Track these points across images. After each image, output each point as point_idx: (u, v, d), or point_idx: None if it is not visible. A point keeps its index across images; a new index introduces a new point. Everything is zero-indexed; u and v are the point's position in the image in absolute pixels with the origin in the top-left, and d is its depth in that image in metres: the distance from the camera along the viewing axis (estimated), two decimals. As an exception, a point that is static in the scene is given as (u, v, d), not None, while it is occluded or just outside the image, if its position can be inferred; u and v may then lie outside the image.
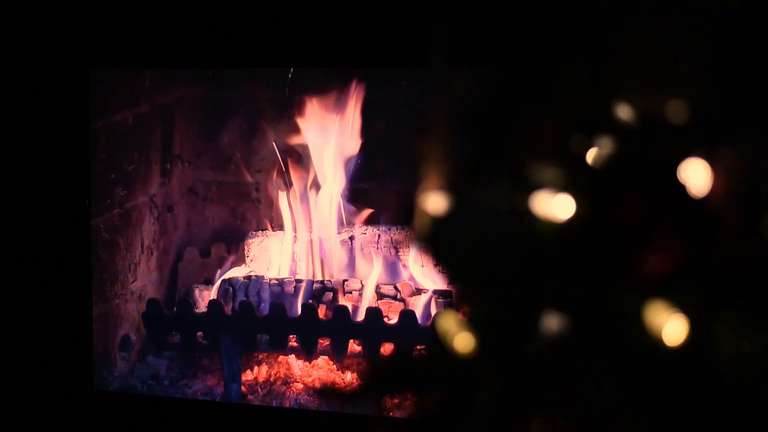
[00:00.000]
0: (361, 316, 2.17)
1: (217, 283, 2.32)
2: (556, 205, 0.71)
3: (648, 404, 0.69)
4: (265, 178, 2.54)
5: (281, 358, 2.30)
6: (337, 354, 2.21)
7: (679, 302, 0.68)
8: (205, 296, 2.35)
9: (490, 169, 0.72)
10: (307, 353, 2.22)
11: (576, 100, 0.71)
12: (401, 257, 2.35)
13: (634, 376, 0.69)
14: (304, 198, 2.40)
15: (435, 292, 2.22)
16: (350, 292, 2.27)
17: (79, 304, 2.10)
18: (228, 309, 2.23)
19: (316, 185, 2.41)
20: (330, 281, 2.31)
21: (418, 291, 2.26)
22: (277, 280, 2.30)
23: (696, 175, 0.69)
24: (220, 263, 2.48)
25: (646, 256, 0.69)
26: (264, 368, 2.28)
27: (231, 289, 2.30)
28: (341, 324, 2.15)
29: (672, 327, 0.68)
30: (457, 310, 0.76)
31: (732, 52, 0.70)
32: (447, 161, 0.74)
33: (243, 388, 2.20)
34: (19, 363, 2.14)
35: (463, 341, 0.73)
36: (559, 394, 0.70)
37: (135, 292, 2.34)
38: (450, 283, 2.18)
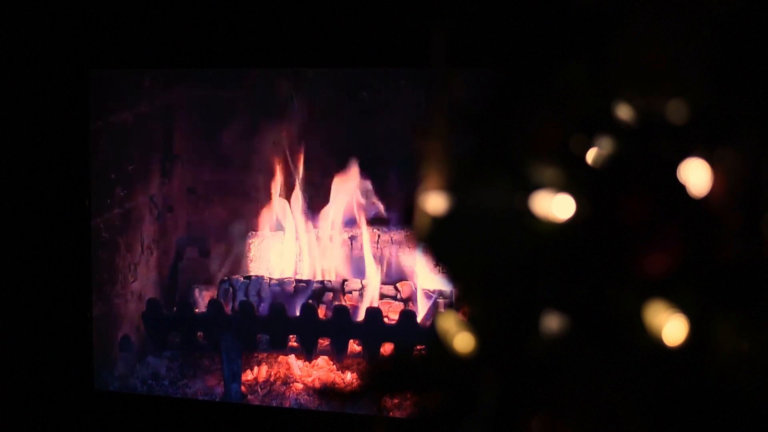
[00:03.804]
0: (361, 316, 2.17)
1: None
2: (556, 205, 0.71)
3: (648, 404, 0.69)
4: (265, 178, 2.54)
5: (281, 358, 2.30)
6: (337, 354, 2.21)
7: (679, 302, 0.68)
8: (205, 296, 2.35)
9: (490, 169, 0.72)
10: (307, 353, 2.22)
11: (576, 100, 0.71)
12: (401, 257, 2.35)
13: (634, 376, 0.69)
14: (305, 198, 2.40)
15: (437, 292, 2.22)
16: (350, 292, 2.27)
17: (79, 304, 2.10)
18: (228, 309, 2.23)
19: (317, 184, 2.41)
20: (330, 281, 2.31)
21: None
22: (277, 280, 2.30)
23: (696, 175, 0.69)
24: (220, 263, 2.48)
25: (646, 256, 0.69)
26: (264, 368, 2.28)
27: (231, 289, 2.30)
28: (341, 324, 2.15)
29: (672, 327, 0.68)
30: (457, 310, 0.76)
31: (732, 52, 0.70)
32: (447, 161, 0.74)
33: (243, 388, 2.20)
34: (19, 363, 2.14)
35: (463, 341, 0.73)
36: (559, 394, 0.70)
37: (135, 292, 2.34)
38: (450, 283, 2.18)
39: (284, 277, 2.34)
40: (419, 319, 2.15)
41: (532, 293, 0.71)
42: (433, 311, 2.19)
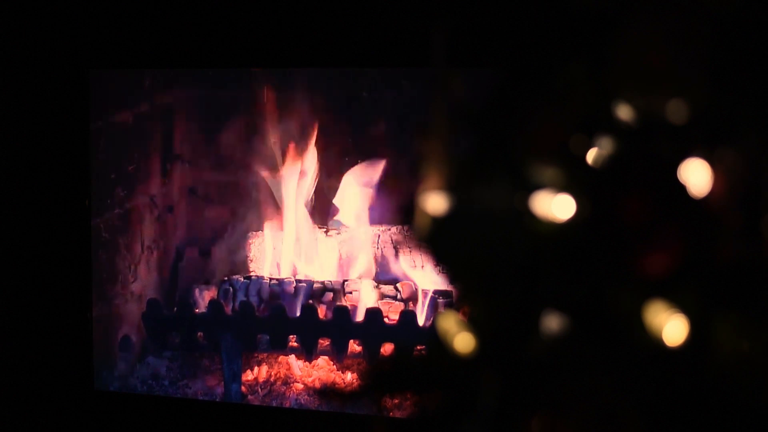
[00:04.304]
0: (361, 317, 2.17)
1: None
2: (556, 205, 0.71)
3: (648, 404, 0.69)
4: (265, 178, 2.54)
5: (281, 358, 2.30)
6: (337, 354, 2.21)
7: (679, 302, 0.68)
8: (205, 296, 2.35)
9: (490, 169, 0.72)
10: (307, 353, 2.22)
11: (576, 100, 0.71)
12: (401, 257, 2.35)
13: (634, 376, 0.69)
14: (305, 197, 2.40)
15: (435, 292, 2.22)
16: (350, 293, 2.27)
17: (79, 305, 2.10)
18: (228, 309, 2.23)
19: (317, 185, 2.41)
20: (330, 281, 2.31)
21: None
22: (277, 280, 2.30)
23: (696, 175, 0.69)
24: (220, 263, 2.48)
25: (647, 256, 0.69)
26: (264, 368, 2.28)
27: (231, 289, 2.30)
28: (341, 324, 2.15)
29: (672, 327, 0.68)
30: (457, 310, 0.76)
31: (732, 52, 0.70)
32: (447, 161, 0.74)
33: (243, 388, 2.20)
34: (20, 363, 2.14)
35: (463, 341, 0.73)
36: (559, 394, 0.70)
37: (135, 292, 2.34)
38: (450, 283, 2.17)
39: (284, 276, 2.34)
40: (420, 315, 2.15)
41: (532, 293, 0.71)
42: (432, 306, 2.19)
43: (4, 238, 2.12)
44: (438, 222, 0.73)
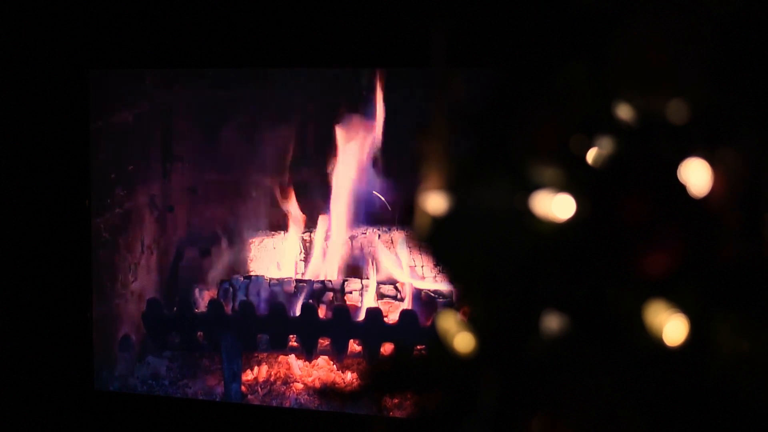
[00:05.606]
0: (361, 316, 2.17)
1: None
2: (556, 205, 0.71)
3: (648, 404, 0.69)
4: (265, 177, 2.54)
5: (281, 358, 2.30)
6: (338, 354, 2.21)
7: (679, 302, 0.68)
8: (205, 296, 2.35)
9: (490, 169, 0.72)
10: (308, 353, 2.22)
11: (576, 100, 0.71)
12: (401, 257, 2.35)
13: (634, 376, 0.69)
14: (305, 198, 2.40)
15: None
16: (350, 292, 2.27)
17: (79, 304, 2.10)
18: (228, 309, 2.23)
19: (317, 184, 2.41)
20: (330, 281, 2.31)
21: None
22: (277, 280, 2.30)
23: (696, 175, 0.69)
24: (220, 263, 2.48)
25: (647, 256, 0.69)
26: (264, 368, 2.28)
27: (231, 289, 2.30)
28: (341, 324, 2.15)
29: (672, 327, 0.68)
30: (457, 310, 0.76)
31: (732, 52, 0.70)
32: (447, 161, 0.74)
33: (243, 388, 2.20)
34: (20, 363, 2.14)
35: (463, 341, 0.73)
36: (559, 394, 0.70)
37: (135, 292, 2.33)
38: (450, 283, 2.18)
39: (284, 276, 2.34)
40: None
41: (532, 293, 0.71)
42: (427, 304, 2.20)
43: (5, 238, 2.12)
44: (438, 222, 0.73)
